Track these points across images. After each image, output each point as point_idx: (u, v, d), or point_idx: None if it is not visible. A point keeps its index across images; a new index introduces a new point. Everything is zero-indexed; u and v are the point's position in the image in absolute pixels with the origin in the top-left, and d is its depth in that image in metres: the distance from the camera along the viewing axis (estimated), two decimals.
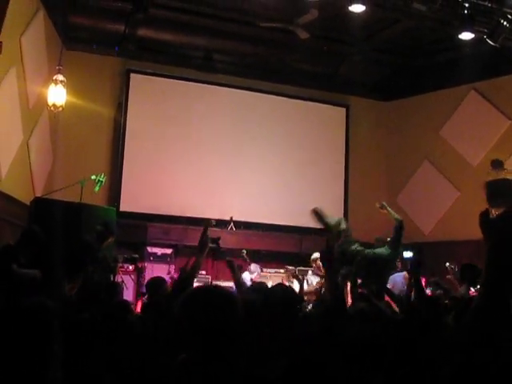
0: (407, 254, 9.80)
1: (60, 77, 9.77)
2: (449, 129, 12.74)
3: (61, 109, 9.83)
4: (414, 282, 5.06)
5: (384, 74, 13.33)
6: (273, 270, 11.88)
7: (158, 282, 6.31)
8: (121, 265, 9.92)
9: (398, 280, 9.90)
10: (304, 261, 12.16)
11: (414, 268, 5.14)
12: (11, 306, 3.38)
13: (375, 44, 12.19)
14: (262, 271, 10.60)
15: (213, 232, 11.69)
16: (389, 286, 9.79)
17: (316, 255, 9.57)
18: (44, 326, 2.81)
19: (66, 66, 10.31)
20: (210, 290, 2.44)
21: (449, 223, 12.38)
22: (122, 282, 9.46)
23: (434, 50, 12.16)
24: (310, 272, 9.83)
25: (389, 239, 8.13)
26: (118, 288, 6.59)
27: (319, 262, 9.37)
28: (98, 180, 9.19)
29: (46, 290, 5.17)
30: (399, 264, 10.35)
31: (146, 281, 10.04)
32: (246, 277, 10.01)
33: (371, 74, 13.38)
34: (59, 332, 2.77)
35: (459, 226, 12.03)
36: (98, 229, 7.40)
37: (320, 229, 12.74)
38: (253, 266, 10.33)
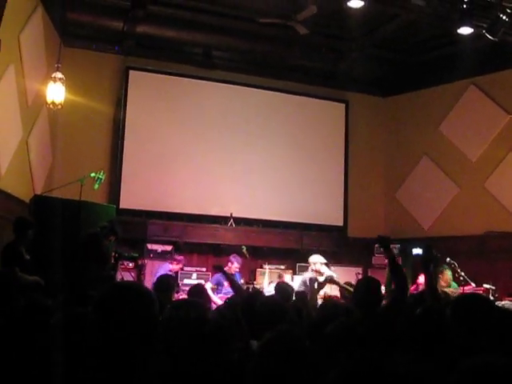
0: (416, 251, 9.74)
1: (59, 74, 9.75)
2: (448, 124, 12.73)
3: (60, 106, 9.81)
4: (426, 280, 5.03)
5: (383, 69, 13.31)
6: (273, 267, 11.89)
7: (167, 280, 6.29)
8: (121, 262, 9.93)
9: None
10: (304, 257, 12.18)
11: (424, 265, 5.09)
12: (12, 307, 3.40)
13: (374, 40, 12.16)
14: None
15: (213, 228, 11.81)
16: None
17: (314, 258, 9.36)
18: (42, 324, 2.81)
19: (65, 64, 10.30)
20: (123, 287, 2.43)
21: (448, 219, 12.38)
22: (122, 279, 9.47)
23: (433, 45, 12.14)
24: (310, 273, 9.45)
25: None
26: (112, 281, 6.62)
27: (319, 266, 9.22)
28: (98, 177, 9.17)
29: (45, 289, 5.19)
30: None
31: (145, 278, 10.09)
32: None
33: (370, 69, 13.35)
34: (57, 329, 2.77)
35: (459, 222, 12.05)
36: (104, 224, 7.42)
37: (321, 225, 12.83)
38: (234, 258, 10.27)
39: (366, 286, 4.89)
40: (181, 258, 10.59)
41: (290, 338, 2.59)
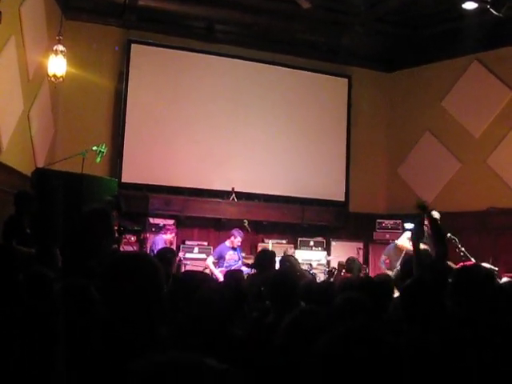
0: (408, 226, 9.86)
1: (60, 47, 9.67)
2: (451, 100, 12.68)
3: (61, 79, 9.75)
4: (414, 252, 5.11)
5: (386, 44, 13.23)
6: (274, 241, 11.92)
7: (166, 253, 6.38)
8: (124, 236, 9.95)
9: (391, 250, 10.02)
10: (306, 231, 12.22)
11: (414, 238, 5.19)
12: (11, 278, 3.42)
13: (378, 14, 12.08)
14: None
15: (214, 202, 11.83)
16: (384, 257, 10.00)
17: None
18: (45, 294, 2.84)
19: (66, 36, 10.22)
20: (129, 256, 2.45)
21: (450, 194, 12.38)
22: None
23: (437, 20, 12.05)
24: None
25: None
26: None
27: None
28: (100, 151, 9.15)
29: (44, 261, 5.21)
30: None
31: (147, 251, 10.13)
32: (228, 244, 10.09)
33: (373, 44, 13.28)
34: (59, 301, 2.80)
35: (461, 198, 12.06)
36: (108, 199, 7.40)
37: (322, 200, 12.84)
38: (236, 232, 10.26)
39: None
40: (172, 227, 10.60)
41: (317, 316, 2.64)
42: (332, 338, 1.71)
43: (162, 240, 9.99)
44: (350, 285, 4.68)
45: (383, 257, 10.15)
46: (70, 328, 2.73)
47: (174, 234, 10.52)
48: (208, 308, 3.22)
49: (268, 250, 7.61)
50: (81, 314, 2.83)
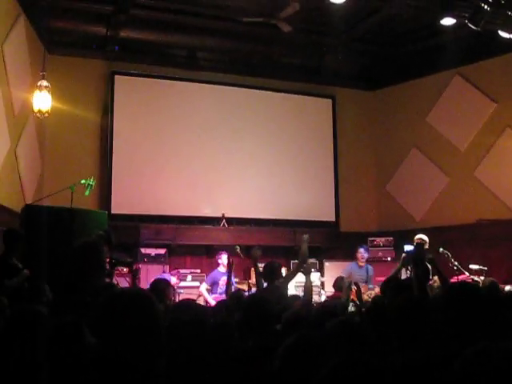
0: (407, 248, 9.83)
1: (44, 82, 9.73)
2: (435, 115, 12.77)
3: (47, 114, 9.79)
4: (414, 278, 5.10)
5: (368, 63, 13.35)
6: None
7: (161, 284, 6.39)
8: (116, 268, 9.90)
9: (354, 269, 10.21)
10: (298, 253, 12.18)
11: (414, 262, 5.18)
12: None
13: (358, 34, 12.18)
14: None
15: (205, 229, 11.79)
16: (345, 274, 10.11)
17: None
18: (34, 331, 2.83)
19: (50, 71, 10.28)
20: (124, 293, 2.44)
21: (440, 209, 12.44)
22: (117, 284, 9.44)
23: (417, 37, 12.18)
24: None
25: None
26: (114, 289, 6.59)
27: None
28: (88, 184, 9.15)
29: (34, 296, 5.19)
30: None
31: (140, 282, 10.07)
32: (221, 270, 10.13)
33: (355, 64, 13.39)
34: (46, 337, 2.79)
35: (450, 211, 12.11)
36: (100, 233, 7.37)
37: (313, 221, 12.82)
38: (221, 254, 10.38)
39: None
40: (179, 273, 10.55)
41: (313, 341, 2.66)
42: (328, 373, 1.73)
43: (169, 278, 9.90)
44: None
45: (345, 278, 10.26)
46: (59, 360, 2.72)
47: (178, 281, 10.45)
48: (202, 332, 3.21)
49: (274, 262, 7.73)
50: (72, 348, 2.82)
